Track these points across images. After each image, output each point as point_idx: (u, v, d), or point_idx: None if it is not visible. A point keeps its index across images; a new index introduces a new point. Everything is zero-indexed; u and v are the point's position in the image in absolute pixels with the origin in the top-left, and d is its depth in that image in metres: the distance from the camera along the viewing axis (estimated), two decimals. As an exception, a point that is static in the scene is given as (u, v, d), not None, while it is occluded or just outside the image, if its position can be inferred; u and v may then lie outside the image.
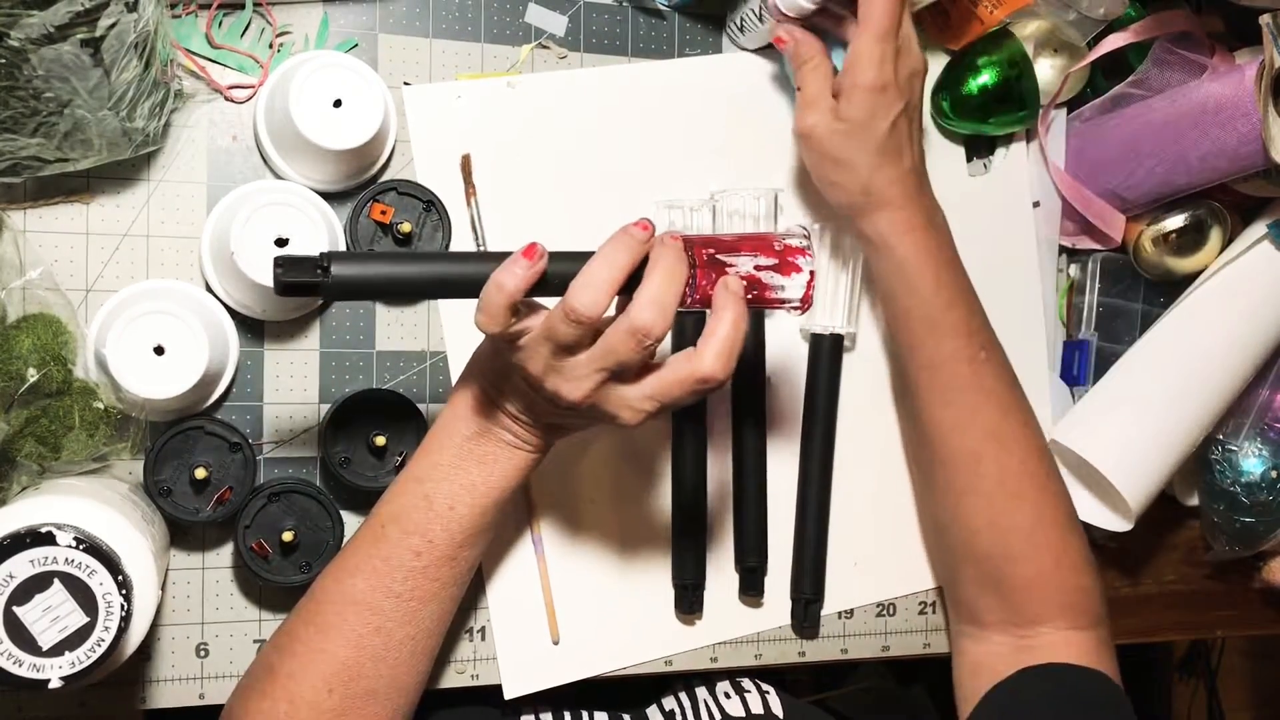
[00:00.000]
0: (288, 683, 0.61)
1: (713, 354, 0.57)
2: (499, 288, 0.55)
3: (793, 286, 0.62)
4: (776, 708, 0.79)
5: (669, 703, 0.82)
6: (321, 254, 0.54)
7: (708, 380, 0.57)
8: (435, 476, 0.64)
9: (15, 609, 0.54)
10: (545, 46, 0.79)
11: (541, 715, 0.78)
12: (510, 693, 0.76)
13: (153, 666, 0.71)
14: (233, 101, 0.72)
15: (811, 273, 0.62)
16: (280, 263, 0.53)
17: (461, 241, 0.75)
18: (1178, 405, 0.84)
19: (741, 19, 0.80)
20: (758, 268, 0.61)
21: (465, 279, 0.56)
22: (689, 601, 0.79)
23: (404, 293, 0.55)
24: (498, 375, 0.63)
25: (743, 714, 0.79)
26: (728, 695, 0.81)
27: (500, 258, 0.56)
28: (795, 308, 0.63)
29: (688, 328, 0.78)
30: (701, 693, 0.82)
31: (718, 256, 0.60)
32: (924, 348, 0.74)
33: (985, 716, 0.72)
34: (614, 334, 0.56)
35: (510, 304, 0.55)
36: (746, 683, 0.82)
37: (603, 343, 0.56)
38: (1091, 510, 0.86)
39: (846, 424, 0.83)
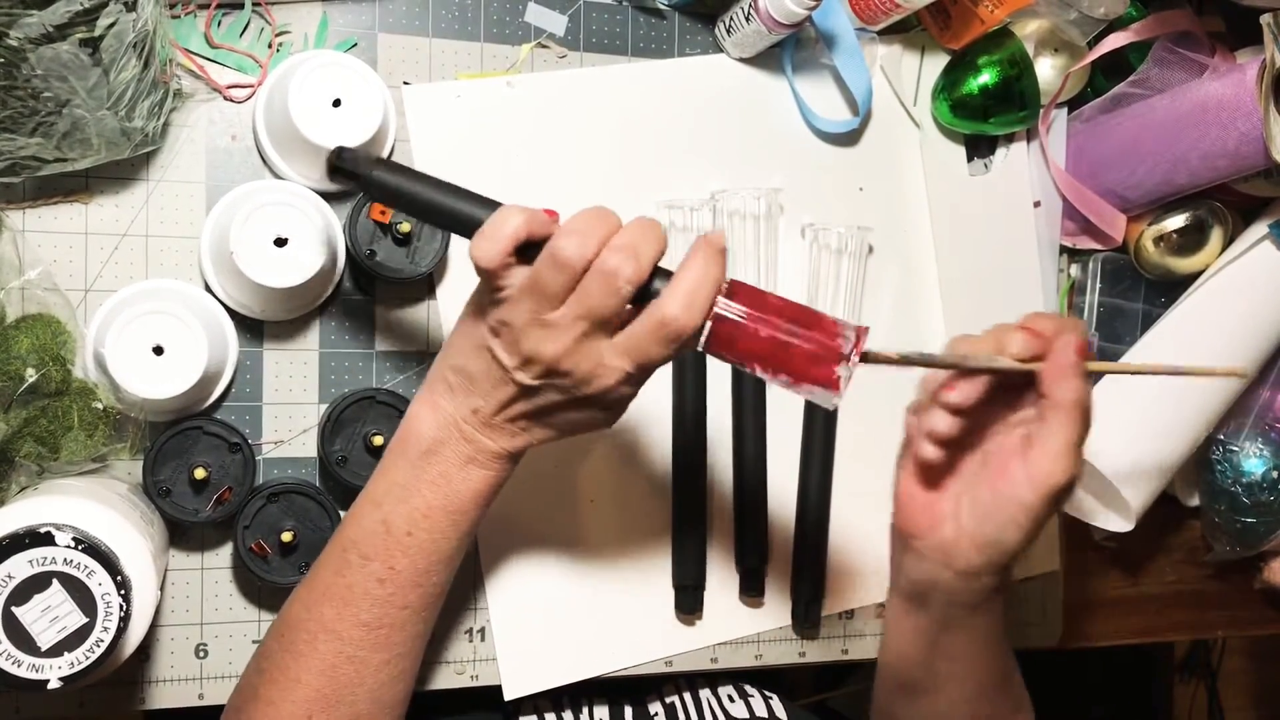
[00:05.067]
0: (268, 710, 0.60)
1: (675, 296, 0.54)
2: (507, 217, 0.55)
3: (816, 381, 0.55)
4: (780, 712, 0.79)
5: (671, 698, 0.81)
6: (375, 157, 0.61)
7: (670, 323, 0.54)
8: (391, 499, 0.61)
9: (14, 609, 0.54)
10: (545, 46, 0.79)
11: (543, 713, 0.78)
12: (510, 693, 0.76)
13: (152, 667, 0.70)
14: (232, 101, 0.72)
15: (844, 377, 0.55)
16: (336, 153, 0.60)
17: (461, 242, 0.74)
18: (1179, 405, 0.83)
19: (730, 21, 0.79)
20: (787, 334, 0.56)
21: (477, 220, 0.58)
22: (689, 602, 0.79)
23: (425, 213, 0.60)
24: (467, 353, 0.60)
25: (746, 715, 0.78)
26: (731, 699, 0.81)
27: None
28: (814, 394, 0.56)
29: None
30: (705, 693, 0.81)
31: (744, 315, 0.56)
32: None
33: None
34: (638, 324, 0.55)
35: (515, 237, 0.55)
36: (750, 688, 0.82)
37: (584, 300, 0.55)
38: (1093, 510, 0.86)
39: (846, 424, 0.83)
